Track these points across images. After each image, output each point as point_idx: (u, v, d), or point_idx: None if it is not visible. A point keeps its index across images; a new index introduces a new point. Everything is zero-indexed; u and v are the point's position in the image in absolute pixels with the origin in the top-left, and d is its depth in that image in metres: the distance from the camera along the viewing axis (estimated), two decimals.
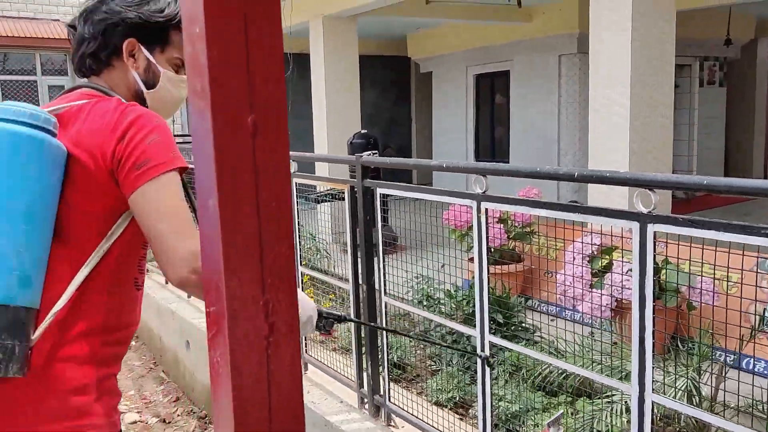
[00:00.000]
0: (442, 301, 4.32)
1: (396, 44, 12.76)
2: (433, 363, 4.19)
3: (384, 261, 3.32)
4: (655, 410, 2.22)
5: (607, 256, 4.06)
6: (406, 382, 4.01)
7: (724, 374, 3.07)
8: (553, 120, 9.77)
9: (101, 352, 1.50)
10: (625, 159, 4.97)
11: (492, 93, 11.37)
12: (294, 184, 3.89)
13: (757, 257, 2.55)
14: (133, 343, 5.09)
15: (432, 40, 11.71)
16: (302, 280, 4.26)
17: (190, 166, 1.24)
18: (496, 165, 2.60)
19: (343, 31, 8.41)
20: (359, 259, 3.40)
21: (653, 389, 2.10)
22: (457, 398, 3.68)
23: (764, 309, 3.37)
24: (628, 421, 2.62)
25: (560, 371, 3.36)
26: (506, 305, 3.91)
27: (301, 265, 4.13)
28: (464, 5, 8.73)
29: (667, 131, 5.26)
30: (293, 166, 3.81)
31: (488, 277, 2.67)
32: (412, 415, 3.21)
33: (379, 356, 3.37)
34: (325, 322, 1.72)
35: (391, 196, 3.28)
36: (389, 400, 3.34)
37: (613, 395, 3.13)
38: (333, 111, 8.39)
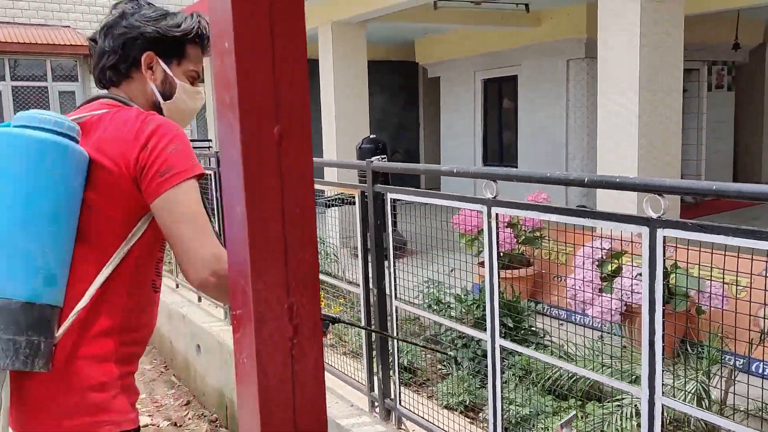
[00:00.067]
0: (451, 306, 4.34)
1: (404, 49, 12.79)
2: (443, 367, 4.21)
3: (394, 265, 3.35)
4: (665, 413, 2.24)
5: (617, 261, 4.08)
6: (416, 386, 4.03)
7: (733, 378, 3.08)
8: (561, 124, 9.78)
9: (120, 351, 1.56)
10: (634, 163, 4.98)
11: (500, 97, 11.39)
12: None
13: (766, 261, 2.56)
14: None
15: (440, 45, 11.74)
16: None
17: (207, 172, 1.28)
18: (507, 170, 2.62)
19: (352, 37, 8.45)
20: (370, 264, 3.43)
21: (663, 392, 2.12)
22: (467, 402, 3.69)
23: None
24: (638, 425, 2.63)
25: (570, 375, 3.38)
26: (516, 309, 3.93)
27: None
28: (472, 11, 8.75)
29: (676, 136, 5.27)
30: None
31: (498, 282, 2.69)
32: (422, 418, 3.24)
33: (390, 360, 3.40)
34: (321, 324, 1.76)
35: (398, 200, 3.31)
36: (400, 403, 3.36)
37: (623, 399, 3.15)
38: (342, 116, 8.43)
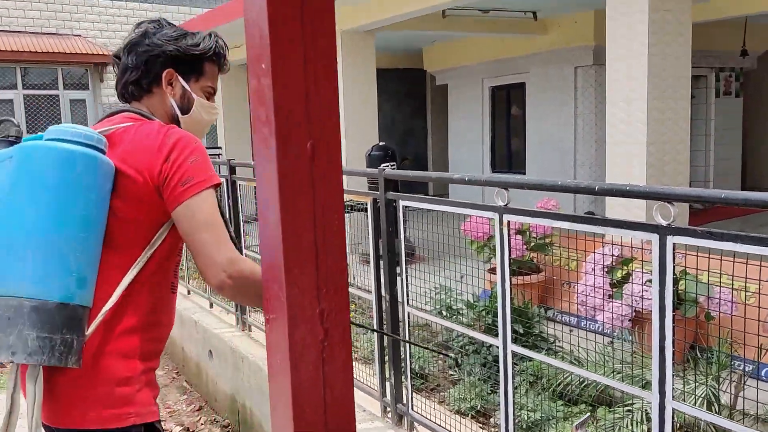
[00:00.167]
0: (461, 312, 4.38)
1: (412, 57, 12.86)
2: (454, 373, 4.25)
3: (405, 271, 3.39)
4: (675, 418, 2.27)
5: (626, 267, 4.11)
6: (427, 391, 4.07)
7: (743, 383, 3.10)
8: (569, 131, 9.81)
9: (143, 348, 1.67)
10: (643, 171, 5.01)
11: (508, 105, 11.44)
12: None
13: None
14: None
15: (448, 52, 11.80)
16: None
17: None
18: (518, 178, 2.65)
19: (361, 46, 8.52)
20: (382, 270, 3.48)
21: (673, 396, 2.15)
22: (479, 407, 3.73)
23: None
24: (649, 429, 2.67)
25: (581, 380, 3.41)
26: (526, 315, 3.96)
27: None
28: (480, 18, 8.80)
29: (684, 142, 5.30)
30: None
31: (510, 288, 2.73)
32: (434, 423, 3.27)
33: (402, 365, 3.43)
34: None
35: (408, 207, 3.36)
36: (412, 408, 3.40)
37: (633, 404, 3.18)
38: (351, 124, 8.49)
